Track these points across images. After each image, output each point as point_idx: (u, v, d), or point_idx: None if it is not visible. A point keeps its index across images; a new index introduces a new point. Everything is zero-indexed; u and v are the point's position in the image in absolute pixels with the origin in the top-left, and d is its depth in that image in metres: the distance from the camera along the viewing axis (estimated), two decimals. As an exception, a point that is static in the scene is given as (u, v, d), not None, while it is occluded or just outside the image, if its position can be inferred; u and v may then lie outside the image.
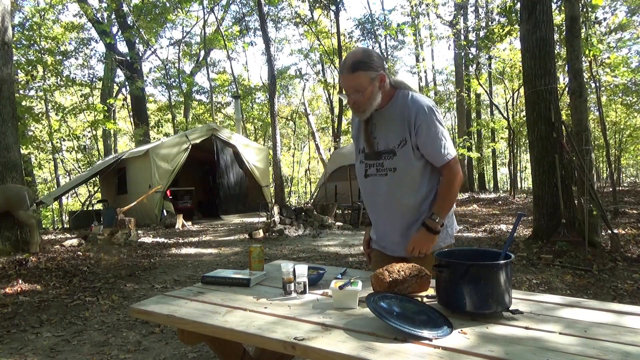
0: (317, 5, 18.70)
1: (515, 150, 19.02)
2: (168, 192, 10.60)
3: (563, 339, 1.09)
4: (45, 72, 15.22)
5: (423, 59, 26.24)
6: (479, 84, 16.71)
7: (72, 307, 3.73)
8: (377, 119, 1.75)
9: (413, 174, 1.70)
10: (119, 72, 18.76)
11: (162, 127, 22.07)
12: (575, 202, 5.30)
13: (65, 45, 16.65)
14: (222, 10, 20.75)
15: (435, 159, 1.69)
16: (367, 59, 1.63)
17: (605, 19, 10.75)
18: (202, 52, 21.28)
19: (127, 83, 18.17)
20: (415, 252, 1.71)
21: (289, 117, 24.29)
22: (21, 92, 13.79)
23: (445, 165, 1.69)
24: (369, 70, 1.61)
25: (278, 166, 11.90)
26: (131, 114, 19.68)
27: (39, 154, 16.49)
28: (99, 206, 12.80)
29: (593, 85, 10.08)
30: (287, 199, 18.49)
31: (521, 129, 15.46)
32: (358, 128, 1.87)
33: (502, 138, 22.89)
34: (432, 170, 1.73)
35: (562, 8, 7.21)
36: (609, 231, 5.00)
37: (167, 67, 20.67)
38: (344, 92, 1.70)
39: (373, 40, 20.98)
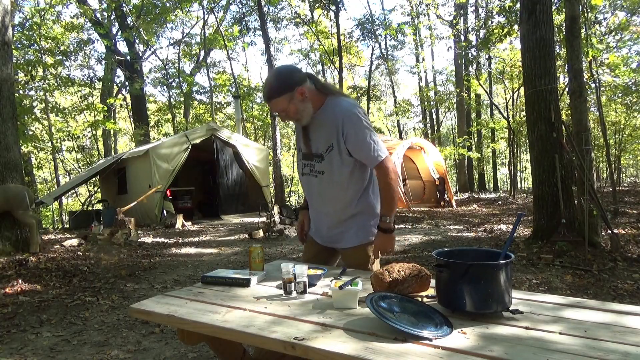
0: (317, 5, 18.69)
1: (515, 150, 19.02)
2: (168, 192, 10.60)
3: (563, 339, 1.09)
4: (45, 72, 15.22)
5: (423, 59, 26.24)
6: (479, 84, 16.72)
7: (72, 307, 3.72)
8: (312, 123, 1.87)
9: (340, 177, 1.84)
10: (119, 72, 18.76)
11: (162, 127, 22.07)
12: (575, 202, 5.30)
13: (65, 45, 16.64)
14: (222, 10, 20.75)
15: (368, 161, 1.82)
16: (278, 84, 1.75)
17: (605, 19, 10.75)
18: (202, 52, 21.28)
19: (127, 83, 18.17)
20: (382, 254, 1.88)
21: (289, 117, 24.25)
22: (21, 92, 13.78)
23: (378, 166, 1.81)
24: (282, 94, 1.73)
25: (278, 166, 11.91)
26: (131, 114, 19.69)
27: (39, 152, 16.47)
28: (99, 206, 12.80)
29: (593, 85, 10.08)
30: (287, 199, 18.49)
31: (521, 129, 15.47)
32: (298, 127, 1.98)
33: (502, 138, 22.89)
34: (359, 174, 1.87)
35: (562, 8, 7.21)
36: (609, 231, 5.00)
37: (167, 67, 20.67)
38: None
39: (373, 40, 20.96)
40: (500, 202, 13.42)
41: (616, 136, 18.29)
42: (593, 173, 5.94)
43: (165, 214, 10.04)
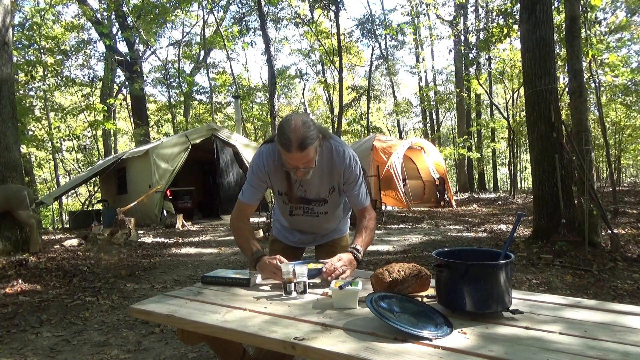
0: (317, 5, 18.70)
1: (515, 150, 19.03)
2: (168, 192, 10.60)
3: (563, 339, 1.09)
4: (45, 72, 15.21)
5: (423, 59, 26.26)
6: (479, 84, 16.72)
7: (72, 307, 3.72)
8: None
9: (339, 210, 2.05)
10: (119, 72, 18.76)
11: (162, 127, 22.07)
12: (575, 202, 5.30)
13: (66, 45, 16.64)
14: (222, 10, 20.76)
15: (356, 205, 1.95)
16: (309, 131, 1.62)
17: (605, 19, 10.74)
18: (202, 53, 21.29)
19: (127, 83, 18.18)
20: (339, 264, 1.67)
21: (289, 117, 24.28)
22: (21, 92, 13.78)
23: (365, 209, 1.94)
24: (314, 141, 1.65)
25: (278, 166, 11.85)
26: (131, 114, 19.70)
27: (39, 151, 16.47)
28: (99, 206, 12.80)
29: (593, 85, 10.09)
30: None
31: (521, 129, 15.48)
32: (274, 172, 1.85)
33: (502, 138, 22.91)
34: (344, 202, 2.08)
35: (562, 8, 7.21)
36: (609, 231, 5.00)
37: (167, 67, 20.68)
38: (289, 166, 1.69)
39: (373, 40, 20.97)
40: (500, 202, 13.42)
41: (616, 136, 18.30)
42: (593, 173, 5.94)
43: (165, 214, 10.04)
